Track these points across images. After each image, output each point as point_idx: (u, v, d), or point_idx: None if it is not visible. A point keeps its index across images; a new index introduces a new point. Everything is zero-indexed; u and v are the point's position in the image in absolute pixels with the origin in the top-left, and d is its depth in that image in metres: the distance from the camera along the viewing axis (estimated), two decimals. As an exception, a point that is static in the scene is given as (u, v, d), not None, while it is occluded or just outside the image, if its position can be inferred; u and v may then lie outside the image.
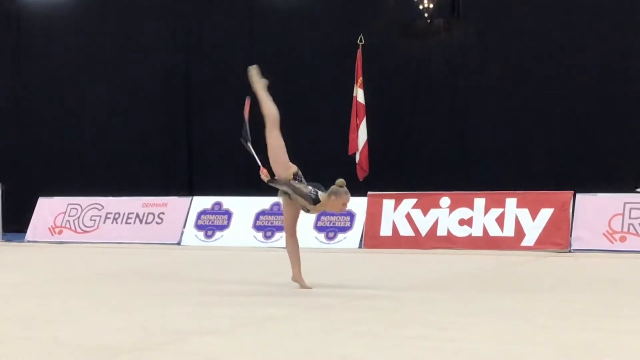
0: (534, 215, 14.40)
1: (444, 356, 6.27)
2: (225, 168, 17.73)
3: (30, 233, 17.86)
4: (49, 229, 17.76)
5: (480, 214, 14.68)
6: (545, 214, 14.33)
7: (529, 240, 14.30)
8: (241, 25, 18.08)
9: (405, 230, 15.06)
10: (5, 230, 18.32)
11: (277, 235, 15.65)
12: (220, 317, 8.19)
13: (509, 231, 14.51)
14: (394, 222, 15.14)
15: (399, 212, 15.16)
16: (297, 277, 10.28)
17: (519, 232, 14.41)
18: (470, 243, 14.53)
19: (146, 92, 18.77)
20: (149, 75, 18.68)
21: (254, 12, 17.98)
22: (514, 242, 14.37)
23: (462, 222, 14.75)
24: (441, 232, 14.83)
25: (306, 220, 15.60)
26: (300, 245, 15.25)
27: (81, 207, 17.66)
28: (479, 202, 14.75)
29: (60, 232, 17.63)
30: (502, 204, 14.64)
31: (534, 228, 14.33)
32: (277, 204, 15.97)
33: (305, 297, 9.55)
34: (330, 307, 8.88)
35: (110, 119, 19.03)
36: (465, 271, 11.99)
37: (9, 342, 7.15)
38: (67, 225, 17.63)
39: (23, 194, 18.47)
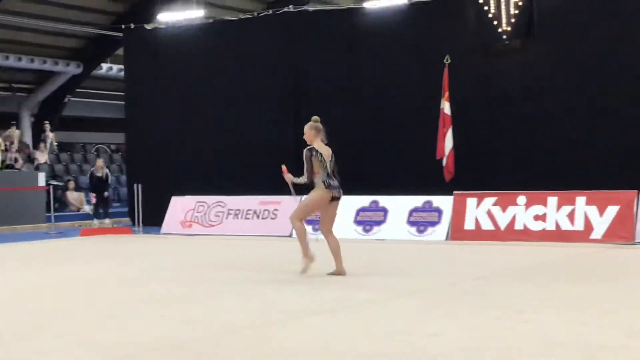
0: (601, 212, 14.19)
1: (519, 335, 6.31)
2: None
3: (165, 227, 18.26)
4: (181, 223, 18.12)
5: (553, 210, 14.54)
6: (612, 210, 14.10)
7: (597, 233, 14.09)
8: (341, 45, 18.15)
9: (486, 225, 14.99)
10: (144, 224, 18.79)
11: (375, 229, 15.74)
12: (326, 300, 8.32)
13: (578, 225, 14.32)
14: (476, 218, 15.09)
15: (480, 209, 15.11)
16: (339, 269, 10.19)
17: (588, 226, 14.21)
18: (544, 236, 14.40)
19: (262, 105, 18.94)
20: (264, 90, 18.85)
21: (354, 34, 18.02)
22: (583, 236, 14.18)
23: (537, 217, 14.62)
24: (518, 226, 14.72)
25: (400, 216, 15.70)
26: (394, 238, 15.42)
27: (207, 204, 17.99)
28: (552, 200, 14.60)
29: (189, 226, 17.98)
30: (572, 202, 14.46)
31: (601, 223, 14.12)
32: (375, 201, 16.08)
33: (400, 283, 9.62)
34: (422, 291, 8.94)
35: (232, 129, 19.25)
36: (539, 261, 11.90)
37: (149, 319, 7.41)
38: (196, 220, 17.97)
39: (159, 193, 18.80)
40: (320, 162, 9.99)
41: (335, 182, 10.12)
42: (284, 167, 10.59)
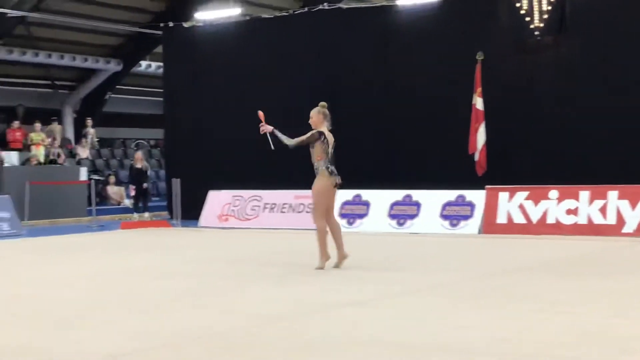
0: (633, 206, 14.06)
1: (554, 327, 6.29)
2: (363, 165, 17.84)
3: (202, 220, 18.35)
4: (218, 217, 18.21)
5: (585, 204, 14.43)
6: (644, 204, 14.04)
7: (629, 227, 13.97)
8: (374, 41, 18.12)
9: (519, 219, 14.93)
10: (182, 217, 18.91)
11: (409, 222, 15.72)
12: (361, 292, 8.34)
13: (611, 219, 14.21)
14: (508, 212, 15.02)
15: (513, 203, 15.04)
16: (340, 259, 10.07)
17: (620, 220, 14.10)
18: (576, 230, 14.30)
19: (297, 101, 18.92)
20: (299, 86, 18.85)
21: (387, 31, 17.98)
22: (615, 229, 14.07)
23: (569, 211, 14.53)
24: (550, 220, 14.64)
25: (433, 210, 15.66)
26: (427, 231, 15.39)
27: (244, 198, 18.07)
28: (584, 194, 14.50)
29: (226, 220, 18.07)
30: (604, 196, 14.34)
31: (633, 217, 13.99)
32: (409, 195, 16.06)
33: (434, 275, 9.61)
34: (455, 283, 8.93)
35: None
36: (572, 254, 11.83)
37: (189, 310, 7.48)
38: (232, 214, 18.05)
39: (197, 188, 18.87)
40: (325, 148, 9.93)
41: (334, 169, 10.02)
42: (260, 114, 10.37)
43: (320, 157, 9.93)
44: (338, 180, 10.09)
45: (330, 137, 10.03)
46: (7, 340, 6.19)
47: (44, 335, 6.36)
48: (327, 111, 10.15)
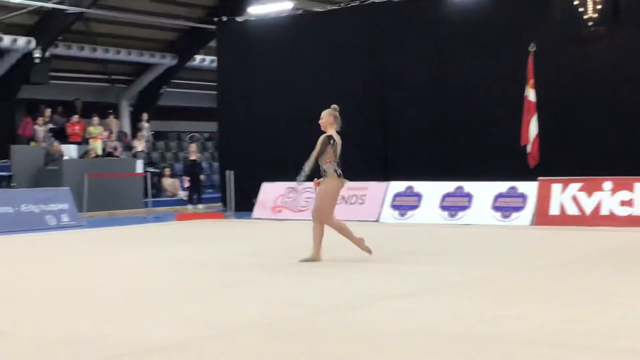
0: (689, 197, 13.82)
1: (609, 319, 6.17)
2: (415, 158, 17.74)
3: (256, 212, 18.41)
4: (271, 208, 18.25)
5: (639, 195, 14.19)
6: (700, 195, 13.74)
7: (685, 218, 13.73)
8: (426, 34, 17.99)
9: (572, 210, 14.69)
10: (236, 209, 18.99)
11: (460, 214, 15.57)
12: (413, 283, 8.28)
13: (666, 211, 13.98)
14: (561, 203, 14.79)
15: (566, 194, 14.79)
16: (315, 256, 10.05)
17: (676, 211, 13.85)
18: (631, 221, 14.02)
19: (349, 94, 18.89)
20: (350, 79, 18.83)
21: (439, 24, 17.84)
22: (671, 220, 13.83)
23: (623, 203, 14.25)
24: (604, 211, 14.38)
25: (485, 201, 15.50)
26: (479, 222, 15.26)
27: (297, 190, 18.08)
28: (638, 185, 14.23)
29: (279, 211, 18.09)
30: (659, 187, 14.11)
31: (689, 208, 13.75)
32: (460, 187, 15.91)
33: (486, 266, 9.50)
34: (508, 275, 8.82)
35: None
36: (626, 245, 11.60)
37: (246, 299, 7.48)
38: (286, 205, 18.07)
39: (251, 180, 18.97)
40: (334, 151, 9.96)
41: (341, 172, 10.12)
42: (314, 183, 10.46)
43: (329, 160, 9.99)
44: (345, 182, 10.28)
45: (338, 140, 10.08)
46: (70, 329, 6.25)
47: (105, 324, 6.41)
48: (337, 114, 10.17)
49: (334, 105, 10.22)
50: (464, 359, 5.08)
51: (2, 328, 6.28)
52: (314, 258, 10.00)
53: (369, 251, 10.13)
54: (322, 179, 10.19)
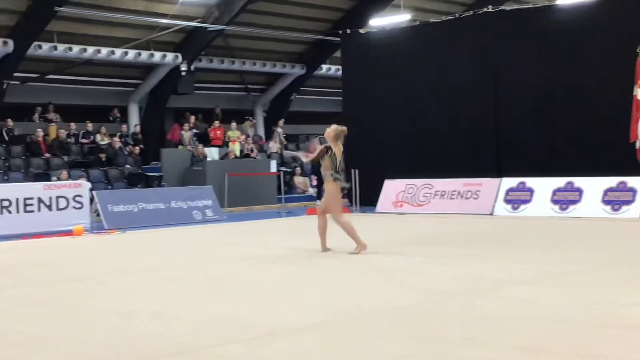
0: None
1: None
2: (526, 155, 17.39)
3: (379, 206, 18.43)
4: (393, 203, 18.23)
5: None
6: None
7: None
8: (538, 37, 17.57)
9: (680, 204, 14.13)
10: (361, 204, 19.08)
11: (571, 207, 15.18)
12: (527, 271, 8.15)
13: None
14: (669, 197, 14.25)
15: (674, 189, 14.25)
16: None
17: None
18: None
19: (463, 97, 18.74)
20: (466, 84, 18.62)
21: (549, 28, 17.42)
22: None
23: None
24: None
25: (595, 195, 15.04)
26: (590, 216, 14.87)
27: (416, 186, 18.01)
28: None
29: (401, 206, 18.07)
30: None
31: None
32: (571, 182, 15.51)
33: (597, 256, 9.25)
34: (619, 264, 8.56)
35: (437, 119, 19.17)
36: None
37: (372, 286, 7.54)
38: (406, 200, 18.04)
39: (374, 177, 19.01)
40: (331, 160, 10.27)
41: (340, 175, 10.48)
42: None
43: (327, 168, 10.36)
44: (341, 184, 10.64)
45: (338, 151, 10.32)
46: (221, 311, 6.45)
47: (243, 308, 6.58)
48: (342, 134, 10.43)
49: (343, 128, 10.54)
50: (584, 343, 4.98)
51: (162, 310, 6.54)
52: (360, 247, 10.20)
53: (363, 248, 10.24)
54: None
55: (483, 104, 18.40)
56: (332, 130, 10.41)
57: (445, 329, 5.49)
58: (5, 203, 14.74)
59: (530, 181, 16.16)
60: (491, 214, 16.25)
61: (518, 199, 16.13)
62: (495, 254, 9.66)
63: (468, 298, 6.67)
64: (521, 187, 16.20)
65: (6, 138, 22.32)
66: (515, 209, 16.05)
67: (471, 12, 19.17)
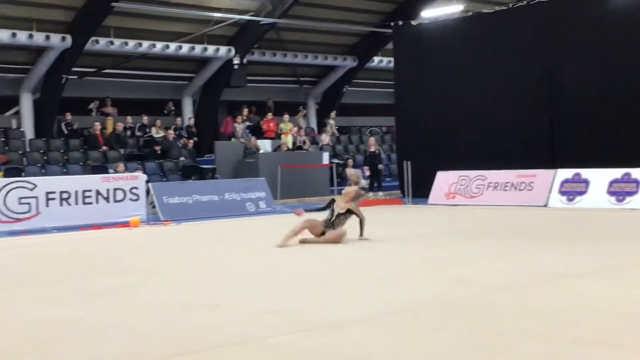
0: None
1: None
2: (581, 146, 17.11)
3: (431, 198, 18.33)
4: (445, 195, 18.12)
5: None
6: None
7: None
8: (592, 27, 17.26)
9: None
10: (413, 196, 19.00)
11: (628, 199, 14.90)
12: (585, 263, 8.03)
13: None
14: None
15: None
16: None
17: None
18: None
19: (516, 88, 18.51)
20: (519, 74, 18.39)
21: (602, 18, 17.11)
22: None
23: None
24: None
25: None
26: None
27: (469, 178, 17.86)
28: None
29: (453, 197, 17.94)
30: None
31: None
32: (628, 173, 15.21)
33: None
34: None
35: (490, 111, 18.98)
36: None
37: (424, 279, 7.50)
38: (459, 192, 17.91)
39: (426, 168, 18.93)
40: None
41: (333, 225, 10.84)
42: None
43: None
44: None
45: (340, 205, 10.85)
46: (271, 302, 6.49)
47: (298, 299, 6.60)
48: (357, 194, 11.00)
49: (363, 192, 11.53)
50: (634, 338, 4.89)
51: (218, 301, 6.60)
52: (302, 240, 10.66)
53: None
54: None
55: (537, 94, 18.15)
56: (355, 193, 10.92)
57: (500, 321, 5.44)
58: (65, 195, 15.03)
59: (586, 172, 15.90)
60: (545, 206, 16.04)
61: (573, 190, 15.88)
62: (551, 246, 9.52)
63: (523, 290, 6.59)
64: (576, 179, 15.95)
65: (65, 132, 22.76)
66: (570, 200, 15.82)
67: (524, 2, 18.88)
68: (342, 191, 11.30)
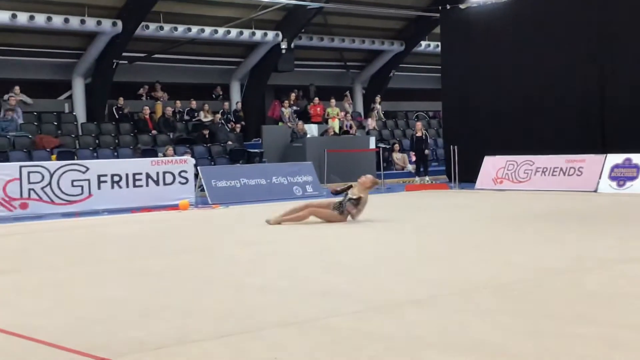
0: None
1: None
2: (632, 131, 16.80)
3: (478, 183, 18.18)
4: (492, 179, 17.96)
5: None
6: None
7: None
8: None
9: None
10: (459, 180, 18.86)
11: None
12: (636, 249, 7.89)
13: None
14: None
15: None
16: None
17: None
18: None
19: (565, 72, 18.24)
20: (567, 57, 18.12)
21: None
22: None
23: None
24: None
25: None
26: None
27: (517, 163, 17.67)
28: None
29: (500, 182, 17.77)
30: None
31: None
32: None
33: None
34: None
35: (538, 95, 18.75)
36: None
37: (475, 262, 7.43)
38: (506, 177, 17.73)
39: (473, 153, 18.77)
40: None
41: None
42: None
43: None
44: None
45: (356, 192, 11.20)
46: (326, 284, 6.50)
47: (349, 282, 6.60)
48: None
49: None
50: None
51: (268, 282, 6.63)
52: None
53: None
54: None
55: (587, 78, 17.87)
56: (372, 182, 11.22)
57: (552, 305, 5.37)
58: (116, 178, 15.23)
59: (637, 157, 15.61)
60: (595, 191, 15.80)
61: (624, 175, 15.62)
62: (603, 231, 9.38)
63: (576, 275, 6.50)
64: (627, 164, 15.68)
65: (116, 116, 23.03)
66: (620, 185, 15.56)
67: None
68: (358, 180, 11.32)
